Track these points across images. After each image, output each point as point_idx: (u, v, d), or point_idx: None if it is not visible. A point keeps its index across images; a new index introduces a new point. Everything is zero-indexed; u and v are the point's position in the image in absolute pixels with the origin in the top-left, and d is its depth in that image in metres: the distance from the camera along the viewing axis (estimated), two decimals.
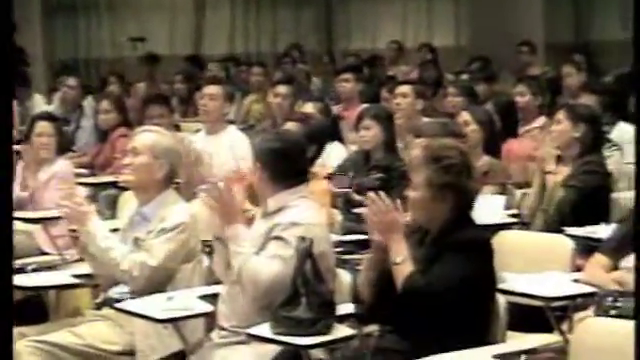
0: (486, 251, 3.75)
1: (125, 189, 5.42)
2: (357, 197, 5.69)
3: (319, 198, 5.07)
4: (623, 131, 7.10)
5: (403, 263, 3.66)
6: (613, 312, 3.99)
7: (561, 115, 5.64)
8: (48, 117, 6.93)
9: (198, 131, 7.26)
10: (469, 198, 3.81)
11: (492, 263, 3.76)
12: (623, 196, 5.59)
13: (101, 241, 4.35)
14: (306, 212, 4.07)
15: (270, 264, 3.93)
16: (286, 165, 4.10)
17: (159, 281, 4.33)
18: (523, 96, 7.58)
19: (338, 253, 4.76)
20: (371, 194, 3.75)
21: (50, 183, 6.39)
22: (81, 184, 6.77)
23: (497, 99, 7.13)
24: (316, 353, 3.82)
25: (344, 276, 4.28)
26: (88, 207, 4.46)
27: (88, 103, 9.63)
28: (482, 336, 3.72)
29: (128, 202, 4.85)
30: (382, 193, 3.75)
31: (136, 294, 4.28)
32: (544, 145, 5.64)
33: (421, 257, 3.73)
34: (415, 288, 3.61)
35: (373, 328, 3.87)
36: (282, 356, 3.88)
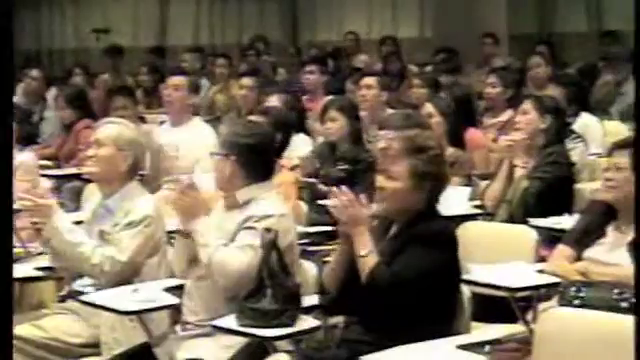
0: (451, 243, 3.76)
1: (89, 181, 5.39)
2: (323, 188, 5.69)
3: (285, 190, 5.07)
4: (586, 123, 7.15)
5: (368, 255, 3.67)
6: (576, 302, 4.03)
7: (528, 106, 5.66)
8: None
9: (163, 123, 7.22)
10: (442, 189, 3.83)
11: (457, 255, 3.77)
12: (586, 187, 5.63)
13: (68, 235, 4.32)
14: (275, 204, 4.09)
15: (240, 254, 3.93)
16: (259, 159, 4.13)
17: (128, 275, 4.31)
18: (494, 87, 7.60)
19: (303, 245, 4.77)
20: (334, 188, 3.76)
21: (15, 174, 6.34)
22: (45, 176, 6.72)
23: (453, 90, 7.14)
24: (282, 344, 3.81)
25: (310, 268, 4.29)
26: (51, 200, 4.42)
27: (51, 95, 9.56)
28: (447, 327, 3.73)
29: (92, 194, 4.83)
30: (345, 187, 3.76)
31: (101, 287, 4.26)
32: (513, 136, 5.64)
33: (386, 248, 3.74)
34: (380, 280, 3.62)
35: (338, 319, 3.87)
36: (247, 348, 3.88)
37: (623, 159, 4.21)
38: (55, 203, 4.42)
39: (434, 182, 3.77)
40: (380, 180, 3.81)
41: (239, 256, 3.93)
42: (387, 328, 3.65)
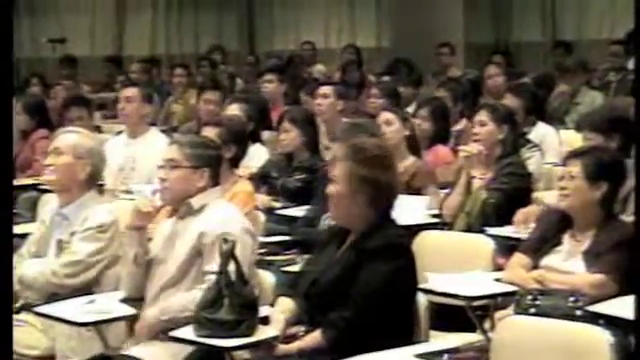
0: (406, 254, 3.77)
1: (45, 191, 5.35)
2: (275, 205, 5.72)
3: (243, 199, 5.06)
4: (543, 132, 7.20)
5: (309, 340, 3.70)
6: (532, 310, 4.04)
7: (484, 117, 5.66)
8: None
9: (120, 133, 7.18)
10: (389, 195, 3.82)
11: (413, 265, 3.78)
12: (542, 196, 5.66)
13: (28, 272, 4.36)
14: (230, 213, 4.12)
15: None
16: (216, 167, 4.20)
17: (87, 279, 4.31)
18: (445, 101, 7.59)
19: (261, 254, 4.75)
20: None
21: None
22: None
23: (431, 102, 7.09)
24: (240, 354, 3.79)
25: (267, 277, 4.27)
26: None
27: None
28: (405, 336, 3.74)
29: (48, 204, 4.79)
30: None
31: (57, 298, 4.24)
32: (471, 148, 5.65)
33: (342, 260, 3.74)
34: (336, 285, 3.67)
35: (297, 329, 3.86)
36: (196, 354, 3.85)
37: (575, 168, 4.25)
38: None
39: (375, 187, 3.76)
40: (328, 187, 3.82)
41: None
42: (345, 338, 3.65)
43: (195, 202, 4.13)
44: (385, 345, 3.61)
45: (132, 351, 3.97)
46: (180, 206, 4.17)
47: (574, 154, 4.37)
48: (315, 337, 3.70)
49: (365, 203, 3.76)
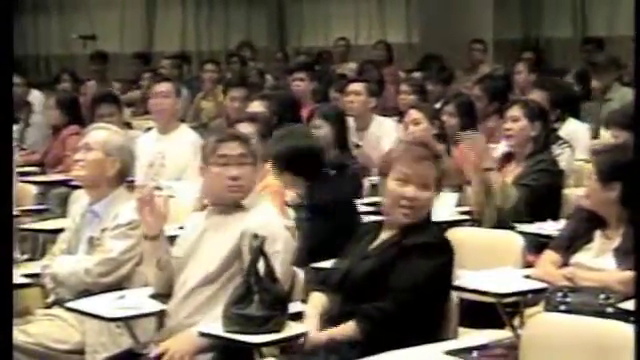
0: (449, 252, 3.78)
1: (75, 187, 5.39)
2: None
3: (272, 194, 5.07)
4: (572, 128, 7.17)
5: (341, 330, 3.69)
6: (562, 307, 4.03)
7: (517, 112, 5.64)
8: None
9: (149, 129, 7.21)
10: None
11: (452, 263, 3.78)
12: (573, 193, 5.63)
13: (61, 270, 4.38)
14: (272, 212, 4.11)
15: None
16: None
17: (120, 276, 4.33)
18: (479, 100, 7.57)
19: None
20: None
21: None
22: (31, 182, 6.69)
23: (457, 98, 7.08)
24: (269, 350, 3.80)
25: (298, 273, 4.28)
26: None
27: (37, 100, 9.52)
28: (435, 332, 3.74)
29: (78, 200, 4.83)
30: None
31: (88, 293, 4.27)
32: (479, 144, 5.63)
33: (378, 255, 3.75)
34: (372, 278, 3.67)
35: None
36: (225, 349, 3.86)
37: (592, 167, 4.25)
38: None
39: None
40: (412, 191, 3.79)
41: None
42: (375, 332, 3.65)
43: (246, 201, 4.10)
44: (415, 341, 3.61)
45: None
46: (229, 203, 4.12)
47: (593, 152, 4.37)
48: (349, 327, 3.69)
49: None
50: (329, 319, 3.82)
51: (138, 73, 11.75)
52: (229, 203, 4.09)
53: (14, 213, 4.92)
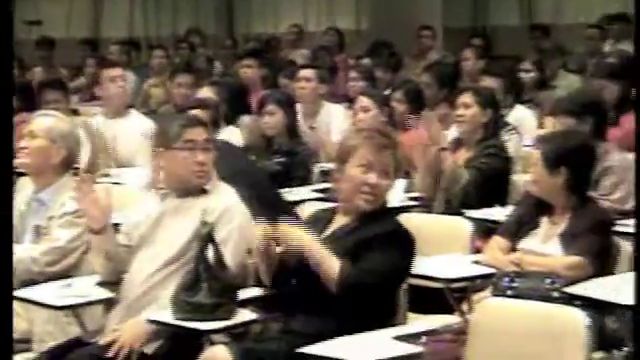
0: (410, 241, 3.78)
1: (20, 175, 5.32)
2: None
3: None
4: (520, 114, 7.22)
5: (325, 259, 3.66)
6: (510, 292, 4.07)
7: (468, 99, 5.68)
8: None
9: (95, 115, 7.14)
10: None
11: (414, 252, 3.79)
12: (520, 179, 5.68)
13: None
14: (233, 195, 4.09)
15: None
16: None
17: (67, 265, 4.29)
18: (429, 87, 7.58)
19: None
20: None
21: None
22: None
23: (405, 85, 7.09)
24: (219, 338, 3.79)
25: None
26: None
27: None
28: (386, 319, 3.75)
29: (24, 188, 4.77)
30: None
31: (34, 282, 4.23)
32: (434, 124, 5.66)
33: (344, 247, 3.73)
34: (349, 282, 3.63)
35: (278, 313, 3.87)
36: (175, 336, 3.85)
37: (537, 154, 4.29)
38: None
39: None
40: (373, 178, 3.77)
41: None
42: (326, 320, 3.66)
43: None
44: (364, 326, 3.62)
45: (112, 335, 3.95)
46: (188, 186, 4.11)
47: (538, 140, 4.42)
48: (335, 264, 3.65)
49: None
50: (284, 304, 3.82)
51: (85, 59, 11.64)
52: (193, 188, 4.07)
53: None
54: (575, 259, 4.07)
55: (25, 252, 4.33)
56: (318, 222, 3.92)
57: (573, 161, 4.26)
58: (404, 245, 3.75)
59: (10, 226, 3.31)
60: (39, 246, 4.34)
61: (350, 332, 3.58)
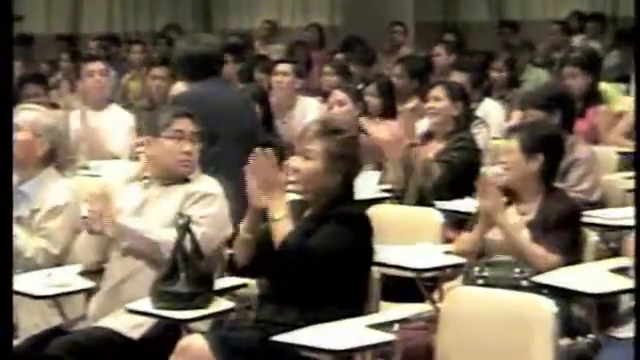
0: (363, 226, 3.78)
1: None
2: None
3: None
4: (488, 108, 7.26)
5: (282, 220, 3.67)
6: (480, 281, 4.10)
7: (439, 93, 5.69)
8: None
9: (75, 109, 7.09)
10: (357, 173, 3.85)
11: (370, 238, 3.79)
12: (489, 170, 5.70)
13: None
14: (213, 182, 4.12)
15: (197, 229, 3.89)
16: None
17: (56, 264, 4.28)
18: (400, 78, 7.61)
19: None
20: (258, 149, 3.73)
21: None
22: None
23: (378, 80, 7.10)
24: (197, 326, 3.79)
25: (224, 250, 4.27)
26: None
27: None
28: (358, 309, 3.75)
29: None
30: (268, 150, 3.73)
31: (16, 272, 4.20)
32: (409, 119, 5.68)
33: (301, 229, 3.73)
34: (292, 247, 3.63)
35: (253, 302, 3.87)
36: (158, 325, 3.86)
37: (513, 142, 4.30)
38: None
39: (348, 164, 3.78)
40: (296, 161, 3.80)
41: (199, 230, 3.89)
42: (298, 308, 3.66)
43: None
44: (336, 315, 3.63)
45: (99, 322, 3.95)
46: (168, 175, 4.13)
47: (512, 129, 4.43)
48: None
49: (335, 179, 3.76)
50: (266, 298, 3.82)
51: (62, 54, 11.55)
52: (177, 177, 4.11)
53: None
54: (555, 259, 4.06)
55: (17, 239, 4.28)
56: (294, 209, 3.92)
57: (549, 149, 4.30)
58: (359, 228, 3.75)
59: (10, 225, 3.29)
60: (33, 243, 4.30)
61: (320, 321, 3.57)
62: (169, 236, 3.86)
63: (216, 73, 5.31)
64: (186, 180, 4.11)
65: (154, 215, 4.06)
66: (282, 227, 3.67)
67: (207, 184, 4.12)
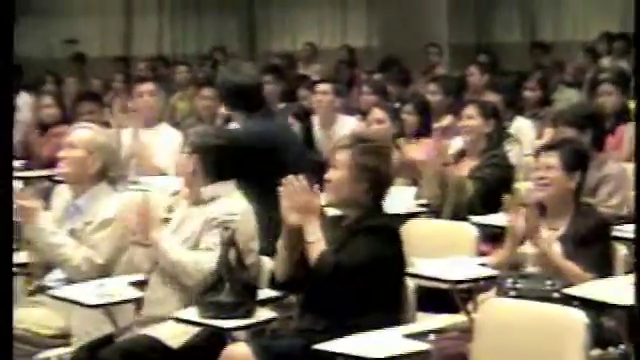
0: (393, 237, 3.76)
1: (58, 182, 5.35)
2: None
3: None
4: (520, 126, 7.22)
5: (316, 242, 3.67)
6: (513, 293, 4.06)
7: (472, 111, 5.67)
8: None
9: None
10: (384, 184, 3.81)
11: (400, 249, 3.77)
12: (522, 186, 5.66)
13: (50, 237, 4.33)
14: (237, 202, 4.09)
15: (205, 256, 3.92)
16: (222, 159, 4.13)
17: (103, 274, 4.31)
18: (434, 95, 7.59)
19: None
20: (289, 176, 3.73)
21: None
22: (16, 178, 6.62)
23: (415, 99, 7.08)
24: (240, 335, 3.79)
25: (267, 263, 4.27)
26: (36, 203, 4.40)
27: (22, 101, 9.42)
28: (393, 316, 3.73)
29: (61, 194, 4.80)
30: (300, 175, 3.72)
31: (70, 281, 4.24)
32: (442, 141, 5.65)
33: (335, 240, 3.73)
34: (325, 266, 3.62)
35: (293, 312, 3.86)
36: (201, 334, 3.86)
37: (553, 159, 4.25)
38: (39, 205, 4.41)
39: (375, 175, 3.75)
40: (329, 172, 3.81)
41: (206, 259, 3.91)
42: (336, 316, 3.65)
43: (205, 193, 4.11)
44: (372, 322, 3.61)
45: (143, 331, 3.96)
46: (192, 194, 4.15)
47: (550, 146, 4.38)
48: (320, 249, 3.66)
49: (362, 189, 3.75)
50: (305, 308, 3.81)
51: (117, 75, 11.67)
52: (201, 197, 4.13)
53: None
54: (588, 277, 4.02)
55: (77, 256, 4.33)
56: (329, 221, 3.91)
57: (585, 166, 4.27)
58: (388, 239, 3.73)
59: (10, 225, 3.31)
60: (84, 252, 4.33)
61: (358, 329, 3.56)
62: (187, 259, 3.93)
63: (260, 105, 5.11)
64: (212, 199, 4.09)
65: (182, 234, 4.08)
66: (316, 248, 3.67)
67: (229, 207, 4.05)
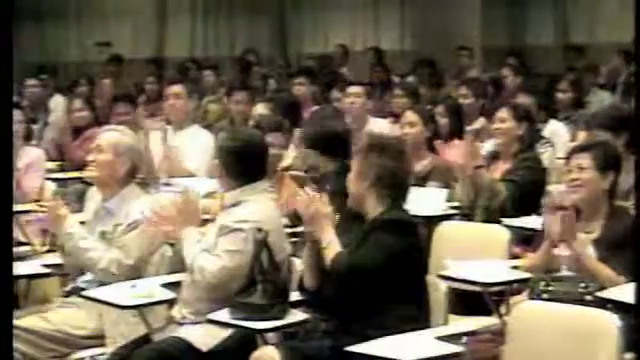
0: (408, 230, 3.76)
1: (91, 184, 5.39)
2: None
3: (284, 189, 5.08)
4: (554, 128, 7.18)
5: (329, 246, 3.70)
6: (545, 295, 4.04)
7: (505, 114, 5.67)
8: (15, 105, 6.81)
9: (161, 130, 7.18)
10: (399, 184, 3.81)
11: (416, 242, 3.78)
12: (555, 189, 5.63)
13: (80, 241, 4.37)
14: (261, 207, 4.06)
15: (216, 260, 3.94)
16: (242, 163, 4.09)
17: (133, 275, 4.33)
18: (466, 98, 7.58)
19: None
20: (299, 190, 3.79)
21: (28, 171, 6.29)
22: (50, 179, 6.68)
23: (447, 101, 7.07)
24: (270, 337, 3.80)
25: (298, 264, 4.28)
26: (64, 209, 4.44)
27: (56, 102, 9.50)
28: (417, 313, 3.73)
29: (94, 196, 4.83)
30: (308, 188, 3.82)
31: (103, 283, 4.27)
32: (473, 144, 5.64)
33: (352, 241, 3.75)
34: (339, 266, 3.66)
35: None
36: (236, 335, 3.87)
37: (585, 160, 4.23)
38: (67, 210, 4.45)
39: (384, 173, 3.77)
40: (349, 175, 3.88)
41: (214, 262, 3.93)
42: (359, 316, 3.66)
43: (228, 198, 4.11)
44: (396, 320, 3.62)
45: (175, 332, 3.99)
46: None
47: (583, 148, 4.35)
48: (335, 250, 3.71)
49: (381, 191, 3.76)
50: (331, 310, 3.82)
51: (149, 77, 11.73)
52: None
53: (36, 208, 4.93)
54: (621, 280, 3.99)
55: (105, 259, 4.36)
56: (346, 220, 3.92)
57: (618, 167, 4.24)
58: (405, 235, 3.75)
59: (10, 225, 3.34)
60: (112, 254, 4.36)
61: (385, 327, 3.57)
62: (198, 263, 3.95)
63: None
64: (235, 204, 4.08)
65: (210, 239, 4.09)
66: (331, 251, 3.71)
67: (243, 215, 4.02)
